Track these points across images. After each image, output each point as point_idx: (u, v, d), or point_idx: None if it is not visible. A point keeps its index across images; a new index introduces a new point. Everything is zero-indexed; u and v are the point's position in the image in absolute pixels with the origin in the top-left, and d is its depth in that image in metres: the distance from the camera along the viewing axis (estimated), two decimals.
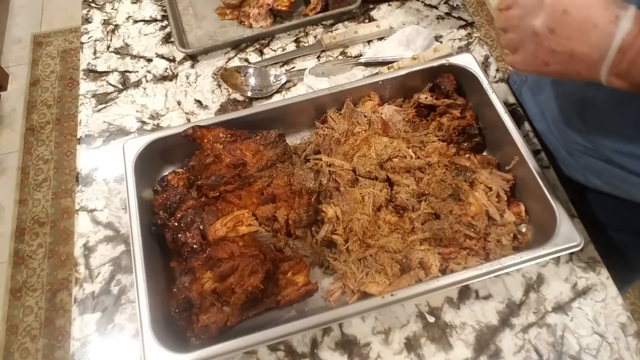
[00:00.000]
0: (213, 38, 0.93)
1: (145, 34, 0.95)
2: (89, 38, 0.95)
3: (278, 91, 0.85)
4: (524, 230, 0.67)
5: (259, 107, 0.74)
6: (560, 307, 0.64)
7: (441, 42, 0.89)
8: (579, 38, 0.46)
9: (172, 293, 0.59)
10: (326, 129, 0.74)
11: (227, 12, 0.95)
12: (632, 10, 0.44)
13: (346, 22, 0.94)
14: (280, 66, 0.88)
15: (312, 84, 0.83)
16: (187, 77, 0.88)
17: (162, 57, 0.91)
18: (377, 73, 0.83)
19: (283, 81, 0.85)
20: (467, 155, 0.72)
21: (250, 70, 0.86)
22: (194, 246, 0.61)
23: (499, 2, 0.54)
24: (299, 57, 0.89)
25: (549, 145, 0.76)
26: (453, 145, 0.72)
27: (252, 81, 0.85)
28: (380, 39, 0.90)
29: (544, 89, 0.73)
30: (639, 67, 0.44)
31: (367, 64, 0.86)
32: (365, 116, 0.74)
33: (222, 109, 0.84)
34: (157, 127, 0.83)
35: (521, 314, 0.64)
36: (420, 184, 0.68)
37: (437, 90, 0.75)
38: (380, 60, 0.85)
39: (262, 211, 0.66)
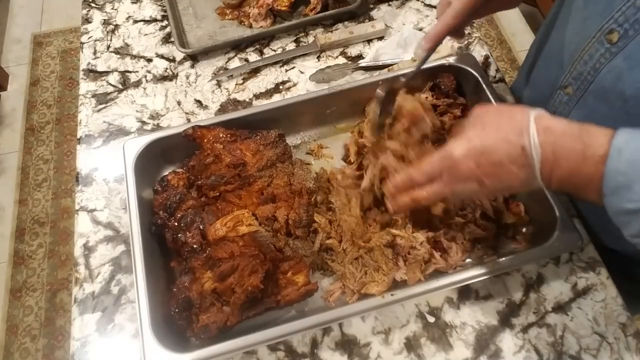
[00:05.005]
0: (213, 38, 0.93)
1: (145, 34, 0.95)
2: (89, 38, 0.95)
3: (278, 91, 0.85)
4: (524, 230, 0.67)
5: (259, 107, 0.74)
6: (560, 307, 0.64)
7: (441, 43, 0.89)
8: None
9: (172, 293, 0.59)
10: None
11: (227, 12, 0.95)
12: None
13: (346, 22, 0.93)
14: (280, 66, 0.88)
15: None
16: (187, 77, 0.88)
17: (162, 57, 0.91)
18: (377, 74, 0.83)
19: None
20: None
21: None
22: (194, 246, 0.61)
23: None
24: (299, 56, 0.89)
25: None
26: None
27: None
28: (380, 38, 0.90)
29: None
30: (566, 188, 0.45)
31: (367, 69, 0.86)
32: None
33: (222, 109, 0.84)
34: (157, 127, 0.83)
35: (521, 314, 0.64)
36: None
37: (438, 90, 0.75)
38: (381, 64, 0.85)
39: (262, 211, 0.66)
